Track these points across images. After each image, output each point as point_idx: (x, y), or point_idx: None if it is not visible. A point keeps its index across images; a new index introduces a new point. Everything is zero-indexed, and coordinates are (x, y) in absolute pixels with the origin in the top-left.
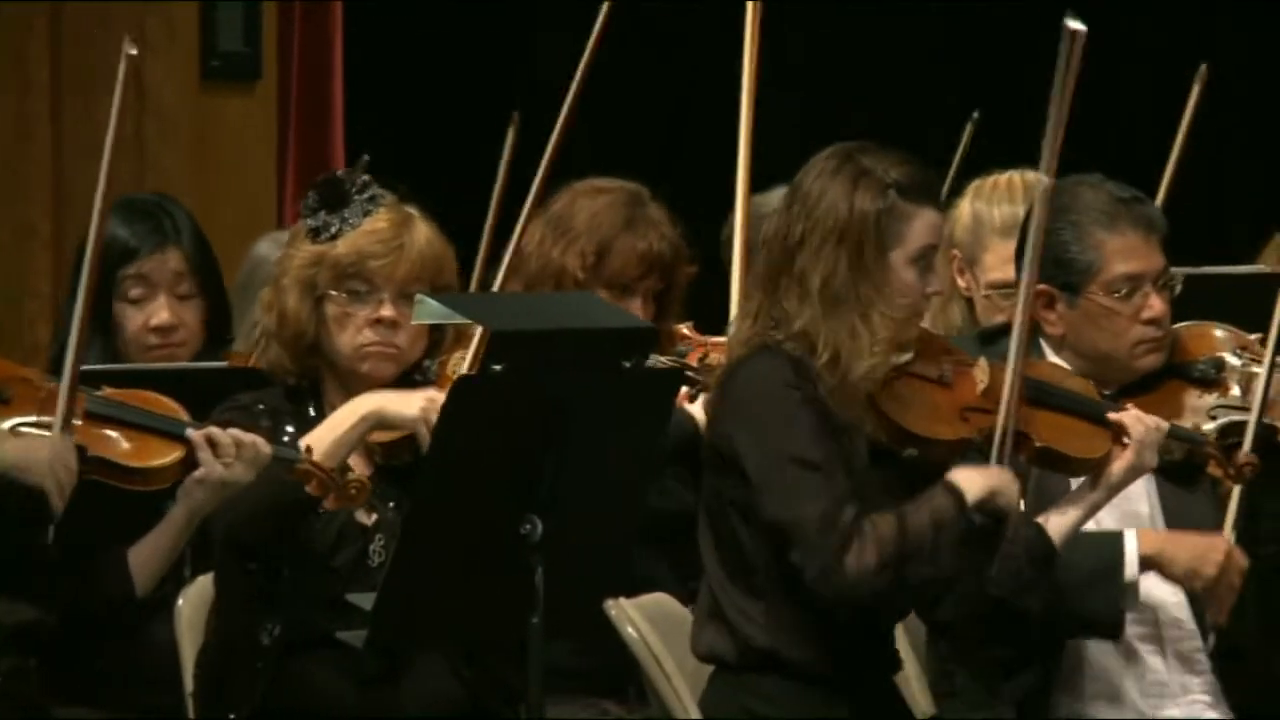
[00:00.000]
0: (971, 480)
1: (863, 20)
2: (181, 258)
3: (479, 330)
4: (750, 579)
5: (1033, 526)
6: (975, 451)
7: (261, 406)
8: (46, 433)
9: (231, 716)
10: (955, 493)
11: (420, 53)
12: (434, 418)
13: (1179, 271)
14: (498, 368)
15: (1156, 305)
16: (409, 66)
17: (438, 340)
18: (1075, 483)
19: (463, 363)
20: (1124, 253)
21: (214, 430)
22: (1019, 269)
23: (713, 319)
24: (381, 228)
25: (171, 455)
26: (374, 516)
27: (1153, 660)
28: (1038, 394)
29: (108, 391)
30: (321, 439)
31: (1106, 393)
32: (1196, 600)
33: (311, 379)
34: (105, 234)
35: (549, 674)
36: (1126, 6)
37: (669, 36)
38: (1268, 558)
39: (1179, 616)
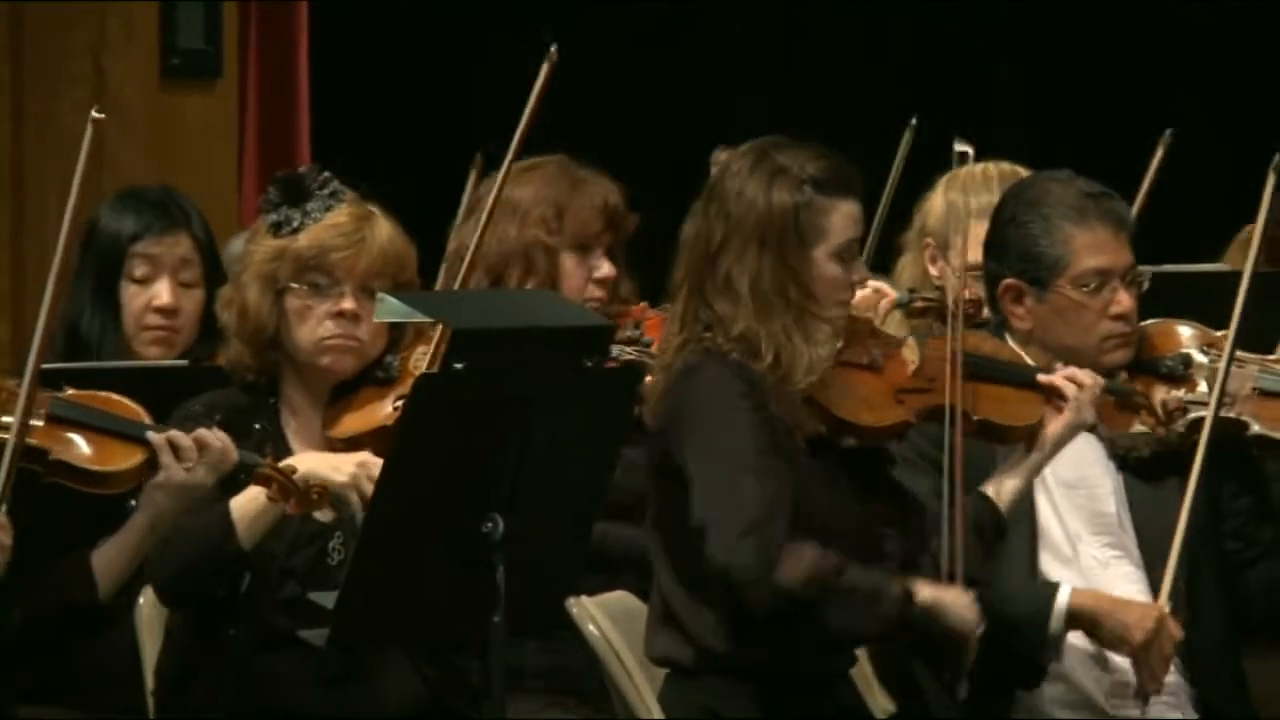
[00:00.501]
0: (928, 590)
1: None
2: (191, 243)
3: (439, 327)
4: (704, 587)
5: (978, 497)
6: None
7: (218, 418)
8: None
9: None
10: (905, 586)
11: (386, 53)
12: (364, 484)
13: (1146, 269)
14: (459, 365)
15: (1124, 301)
16: (375, 66)
17: (398, 337)
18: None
19: (424, 359)
20: (1093, 248)
21: (176, 433)
22: (988, 257)
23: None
24: (343, 221)
25: (133, 459)
26: (333, 515)
27: (1116, 660)
28: (971, 367)
29: (70, 393)
30: (247, 503)
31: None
32: (1158, 592)
33: (271, 375)
34: (109, 223)
35: (511, 672)
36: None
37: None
38: (1232, 554)
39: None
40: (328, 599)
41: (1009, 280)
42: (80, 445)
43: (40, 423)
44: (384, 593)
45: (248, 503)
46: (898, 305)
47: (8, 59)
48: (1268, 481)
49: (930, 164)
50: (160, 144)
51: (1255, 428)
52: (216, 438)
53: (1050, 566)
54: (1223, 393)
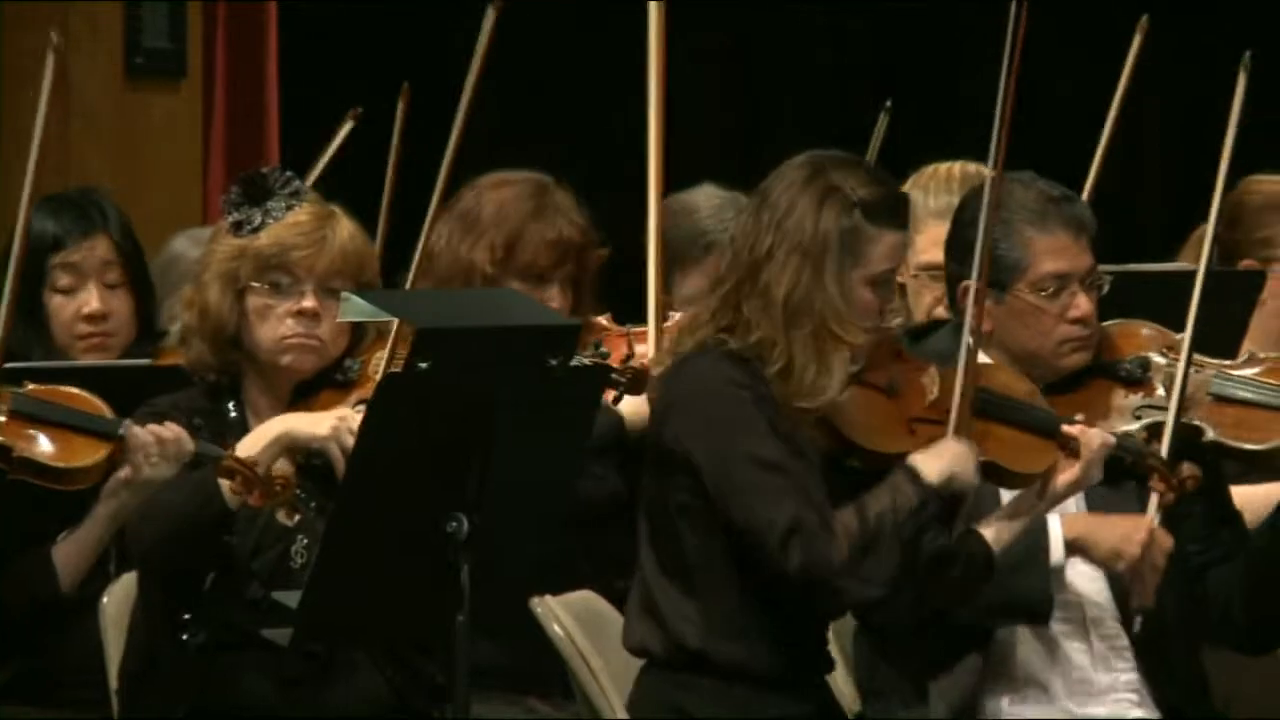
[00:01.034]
0: (929, 464)
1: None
2: (110, 245)
3: (395, 329)
4: (687, 578)
5: (973, 536)
6: None
7: (171, 416)
8: None
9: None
10: (915, 478)
11: (355, 52)
12: (345, 437)
13: (1107, 270)
14: (423, 365)
15: (1083, 304)
16: (343, 66)
17: (359, 338)
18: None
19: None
20: (1053, 252)
21: (137, 429)
22: (949, 258)
23: (630, 309)
24: (304, 220)
25: (97, 455)
26: (296, 517)
27: (1079, 658)
28: (988, 407)
29: (31, 388)
30: None
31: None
32: (1121, 593)
33: (232, 375)
34: (31, 230)
35: (475, 672)
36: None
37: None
38: (1191, 555)
39: (1103, 615)
40: (291, 598)
41: (966, 282)
42: (43, 442)
43: (2, 419)
44: (348, 592)
45: None
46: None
47: None
48: (1226, 483)
49: (905, 153)
50: (124, 143)
51: (1210, 434)
52: (171, 430)
53: None
54: (1182, 397)
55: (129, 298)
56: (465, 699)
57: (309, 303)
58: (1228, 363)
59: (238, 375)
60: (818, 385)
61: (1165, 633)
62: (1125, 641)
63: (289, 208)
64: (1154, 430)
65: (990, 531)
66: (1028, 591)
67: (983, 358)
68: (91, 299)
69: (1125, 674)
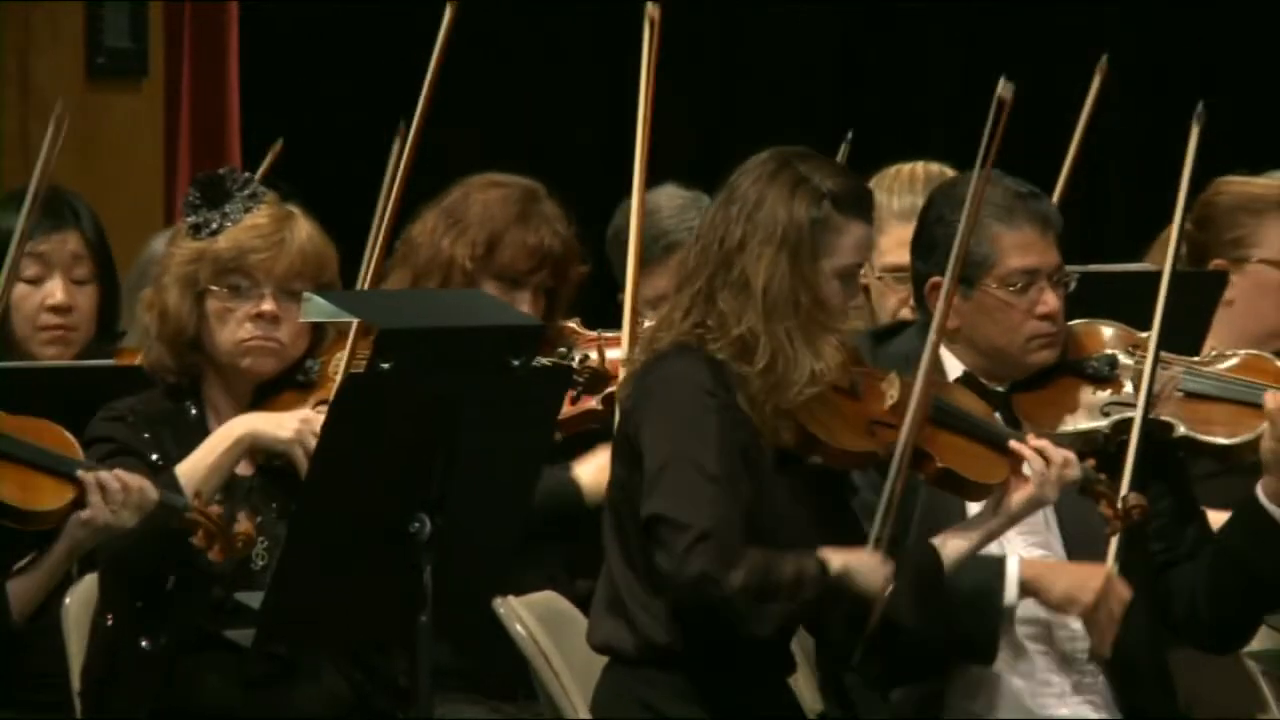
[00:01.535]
0: (839, 556)
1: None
2: (81, 240)
3: (354, 330)
4: (654, 575)
5: (926, 548)
6: (875, 469)
7: (133, 419)
8: None
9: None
10: (820, 562)
11: (317, 53)
12: (309, 440)
13: (1073, 270)
14: (386, 365)
15: (1050, 301)
16: (305, 67)
17: (319, 339)
18: (973, 507)
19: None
20: (1020, 247)
21: (104, 475)
22: (914, 257)
23: (599, 314)
24: (262, 223)
25: (62, 500)
26: (257, 519)
27: (1041, 660)
28: (942, 415)
29: (2, 416)
30: (195, 465)
31: (1000, 389)
32: None
33: (193, 377)
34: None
35: (437, 673)
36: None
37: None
38: (1156, 554)
39: (1065, 616)
40: (254, 599)
41: (935, 278)
42: (9, 482)
43: None
44: (310, 593)
45: (194, 466)
46: None
47: None
48: (1192, 482)
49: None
50: (86, 143)
51: (1181, 429)
52: (136, 480)
53: None
54: (1150, 395)
55: (94, 295)
56: (428, 699)
57: (268, 305)
58: (1196, 359)
59: (198, 377)
60: (813, 374)
61: (1129, 634)
62: (1087, 644)
63: (247, 210)
64: (1123, 426)
65: (945, 543)
66: (976, 631)
67: (951, 360)
68: (57, 290)
69: (1088, 676)
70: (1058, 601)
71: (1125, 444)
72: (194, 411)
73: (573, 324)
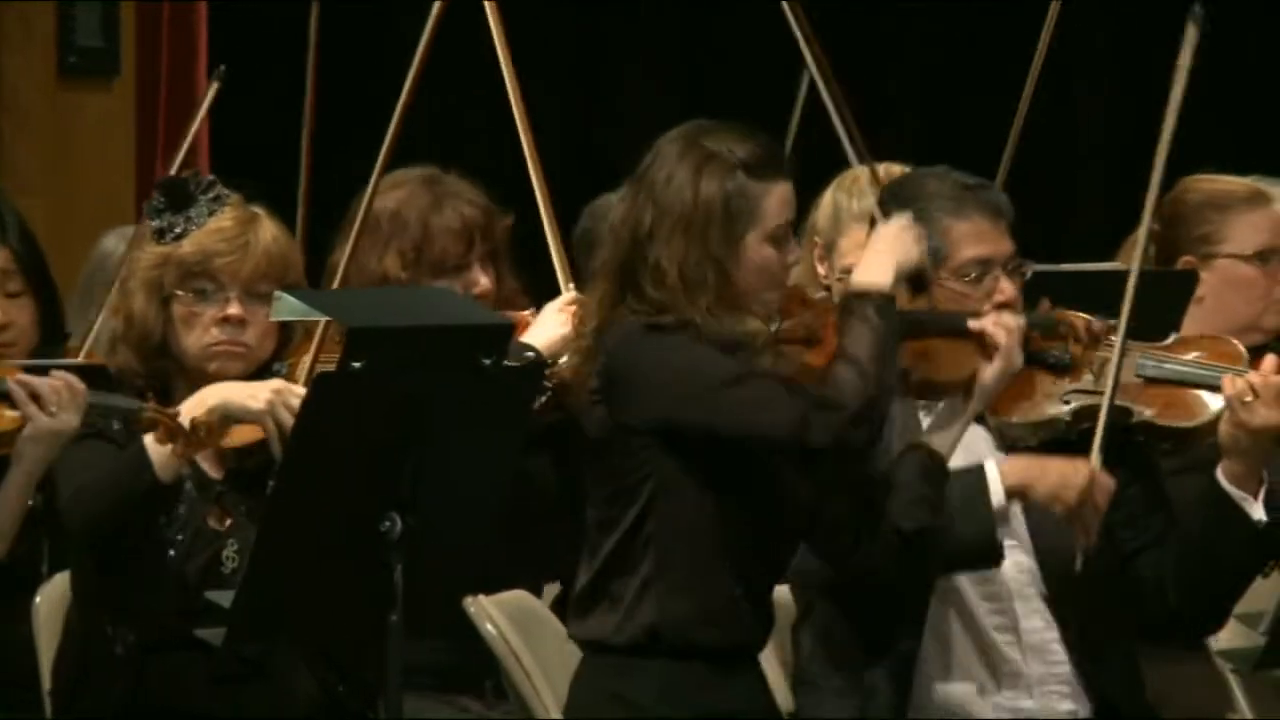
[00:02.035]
0: (869, 273)
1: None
2: (8, 255)
3: (319, 332)
4: (637, 562)
5: (919, 448)
6: None
7: (101, 412)
8: None
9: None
10: (866, 294)
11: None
12: (280, 411)
13: (1041, 270)
14: (357, 365)
15: (1007, 289)
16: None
17: (286, 339)
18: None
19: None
20: (972, 237)
21: (33, 380)
22: None
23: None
24: (227, 226)
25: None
26: (227, 521)
27: (1009, 651)
28: (905, 326)
29: None
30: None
31: None
32: (1049, 581)
33: (161, 381)
34: None
35: (407, 671)
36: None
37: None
38: (1122, 542)
39: (1033, 606)
40: (225, 598)
41: None
42: None
43: None
44: (281, 591)
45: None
46: None
47: None
48: (1158, 469)
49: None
50: (57, 142)
51: (1144, 414)
52: (63, 379)
53: None
54: (1116, 382)
55: (30, 307)
56: (398, 698)
57: (234, 309)
58: (1153, 345)
59: (166, 380)
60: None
61: (1097, 623)
62: (1056, 634)
63: (211, 213)
64: (1084, 413)
65: (931, 439)
66: (973, 538)
67: None
68: None
69: (1057, 666)
70: (1043, 499)
71: (1088, 431)
72: None
73: (528, 314)
